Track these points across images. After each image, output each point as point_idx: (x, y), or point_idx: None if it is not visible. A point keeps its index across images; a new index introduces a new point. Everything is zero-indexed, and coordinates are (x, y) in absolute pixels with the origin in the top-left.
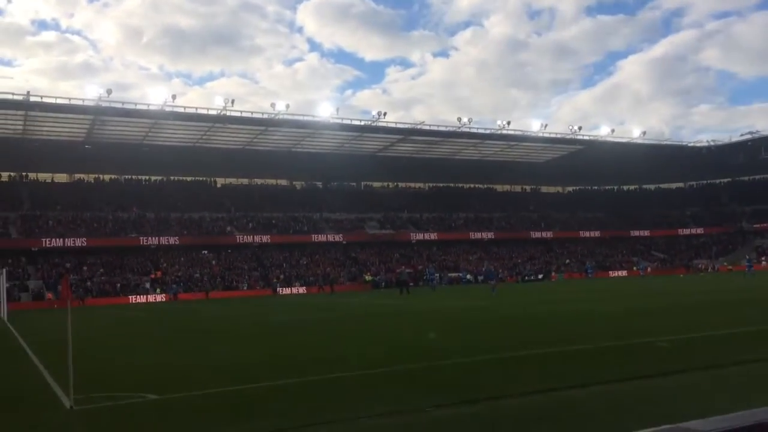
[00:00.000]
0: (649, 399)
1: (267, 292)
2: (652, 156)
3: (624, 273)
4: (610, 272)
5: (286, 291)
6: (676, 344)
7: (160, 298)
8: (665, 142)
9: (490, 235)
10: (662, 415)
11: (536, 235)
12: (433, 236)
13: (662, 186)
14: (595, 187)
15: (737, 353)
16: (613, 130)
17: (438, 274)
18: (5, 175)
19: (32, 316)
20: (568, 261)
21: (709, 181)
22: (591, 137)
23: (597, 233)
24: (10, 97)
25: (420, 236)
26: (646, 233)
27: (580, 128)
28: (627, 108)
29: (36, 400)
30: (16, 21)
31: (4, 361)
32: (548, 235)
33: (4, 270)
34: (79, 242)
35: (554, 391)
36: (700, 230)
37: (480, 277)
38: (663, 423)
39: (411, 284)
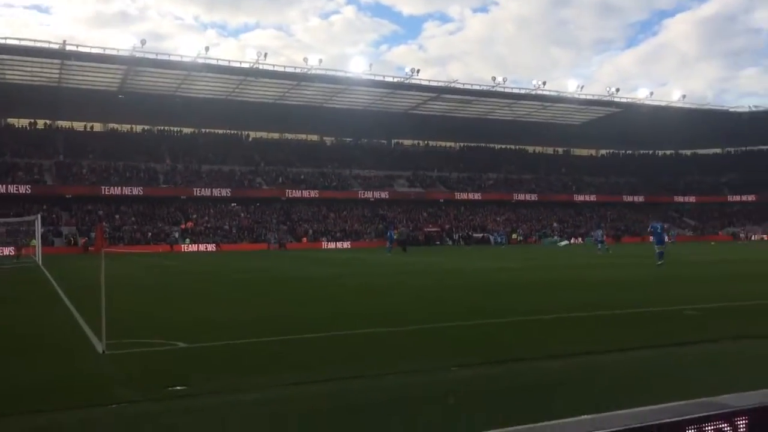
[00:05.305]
0: (675, 367)
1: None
2: (690, 120)
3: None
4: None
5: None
6: (707, 313)
7: (191, 248)
8: (705, 107)
9: (521, 196)
10: (688, 384)
11: (566, 198)
12: (463, 196)
13: (699, 152)
14: (630, 152)
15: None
16: (651, 93)
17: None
18: (41, 122)
19: (65, 261)
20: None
21: (748, 148)
22: (628, 100)
23: (629, 198)
24: (47, 45)
25: (448, 195)
26: (680, 199)
27: (617, 90)
28: (671, 69)
29: (69, 344)
30: None
31: (40, 305)
32: (579, 198)
33: (39, 215)
34: (113, 191)
35: (583, 356)
36: (735, 198)
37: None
38: (688, 392)
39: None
